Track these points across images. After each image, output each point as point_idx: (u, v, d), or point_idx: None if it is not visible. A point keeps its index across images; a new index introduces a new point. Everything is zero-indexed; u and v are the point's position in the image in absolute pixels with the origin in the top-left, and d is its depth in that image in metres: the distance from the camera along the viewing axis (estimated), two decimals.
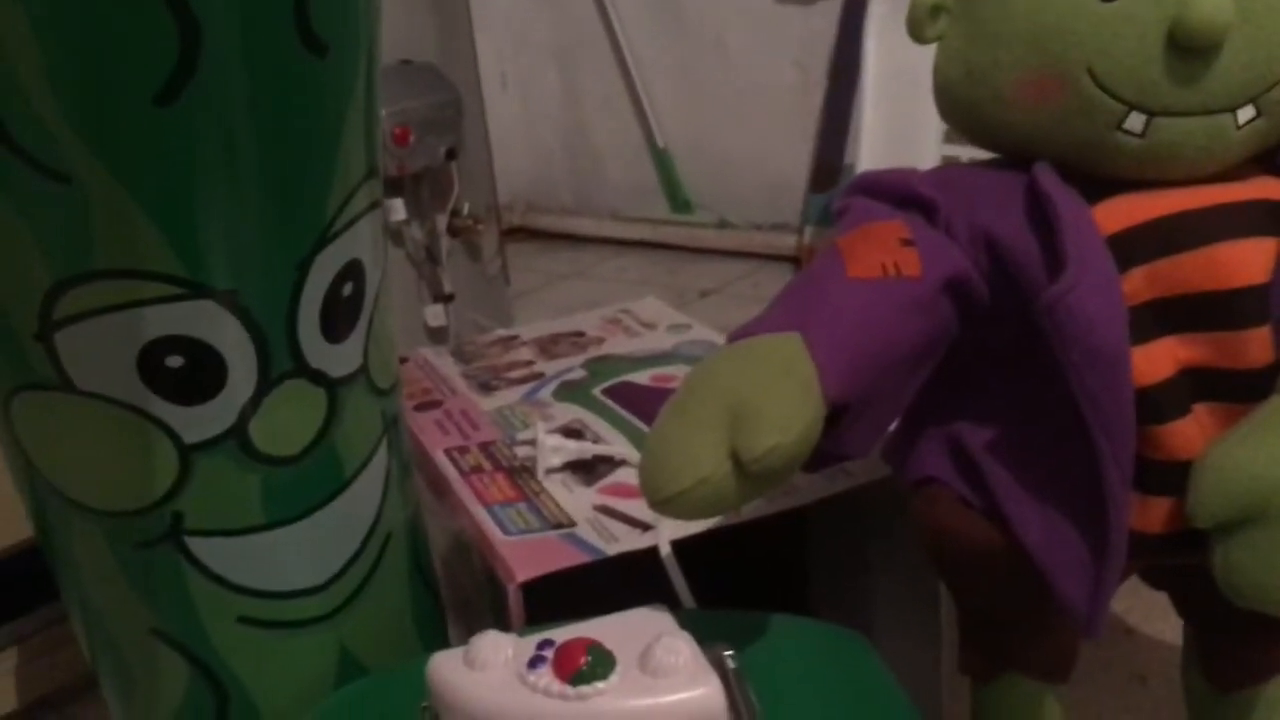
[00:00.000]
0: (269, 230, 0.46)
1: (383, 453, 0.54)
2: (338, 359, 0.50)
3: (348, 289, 0.49)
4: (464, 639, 0.71)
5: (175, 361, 0.45)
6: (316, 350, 0.49)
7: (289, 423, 0.49)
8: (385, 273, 0.53)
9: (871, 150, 1.29)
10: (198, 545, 0.49)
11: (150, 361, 0.45)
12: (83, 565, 0.51)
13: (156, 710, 0.54)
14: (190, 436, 0.47)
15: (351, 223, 0.49)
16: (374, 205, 0.51)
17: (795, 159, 1.63)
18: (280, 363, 0.48)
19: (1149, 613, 0.81)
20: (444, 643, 0.61)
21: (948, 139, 1.15)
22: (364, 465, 0.53)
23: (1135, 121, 0.45)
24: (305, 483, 0.50)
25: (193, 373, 0.46)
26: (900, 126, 1.26)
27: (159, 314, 0.44)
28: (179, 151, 0.42)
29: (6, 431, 0.49)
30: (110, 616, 0.52)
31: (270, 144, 0.44)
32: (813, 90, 1.60)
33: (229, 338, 0.46)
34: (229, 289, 0.45)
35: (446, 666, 0.41)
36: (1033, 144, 0.47)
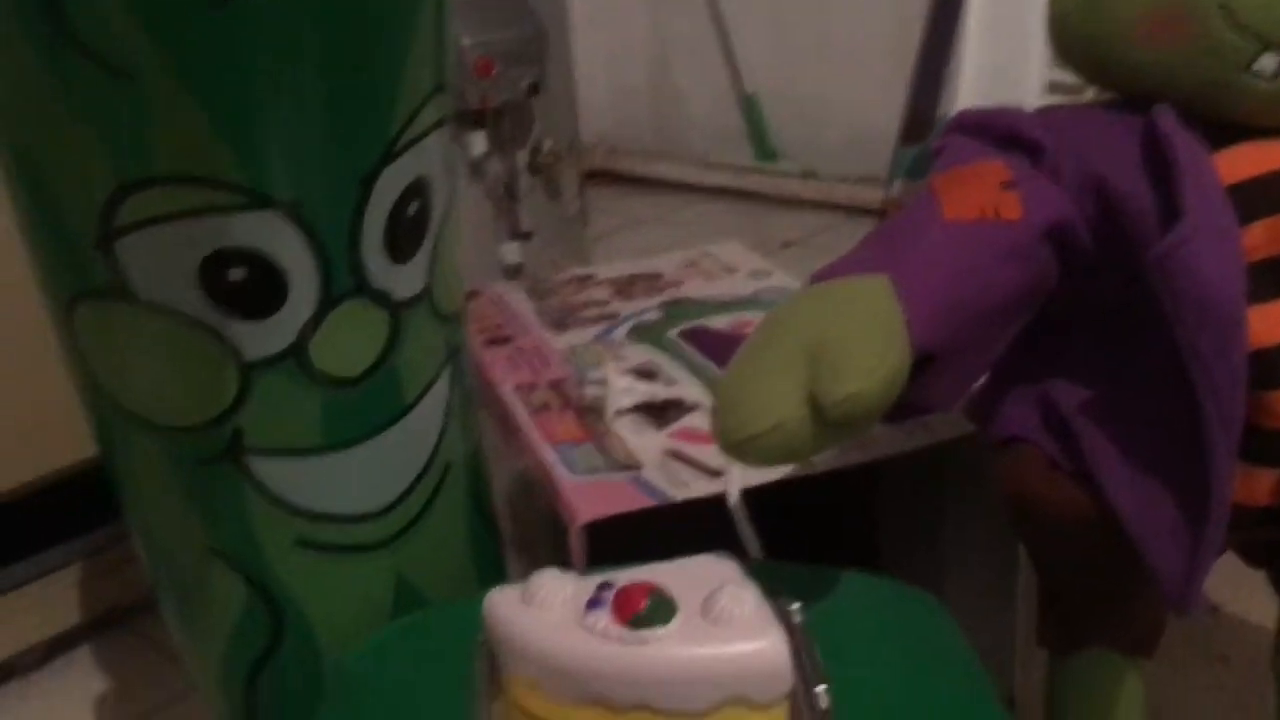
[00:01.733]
0: (333, 141, 0.45)
1: (444, 381, 0.53)
2: (402, 280, 0.49)
3: (413, 207, 0.48)
4: (524, 578, 0.70)
5: (237, 274, 0.45)
6: (380, 270, 0.48)
7: (350, 343, 0.48)
8: (454, 194, 0.52)
9: (968, 100, 1.25)
10: (257, 464, 0.49)
11: (211, 273, 0.45)
12: (143, 482, 0.51)
13: (213, 629, 0.54)
14: (250, 353, 0.47)
15: (419, 138, 0.48)
16: (441, 122, 0.49)
17: (887, 109, 1.58)
18: (342, 281, 0.47)
19: (1236, 590, 0.78)
20: (501, 580, 0.60)
21: (1050, 90, 1.11)
22: (425, 391, 0.52)
23: (1268, 63, 0.41)
24: (366, 405, 0.50)
25: (254, 287, 0.45)
26: (1000, 76, 1.22)
27: (221, 224, 0.44)
28: (239, 53, 0.41)
29: (69, 342, 0.49)
30: (169, 534, 0.52)
31: (333, 51, 0.43)
32: (907, 39, 1.55)
33: (291, 252, 0.45)
34: (292, 200, 0.44)
35: (504, 603, 0.40)
36: (1154, 84, 0.44)
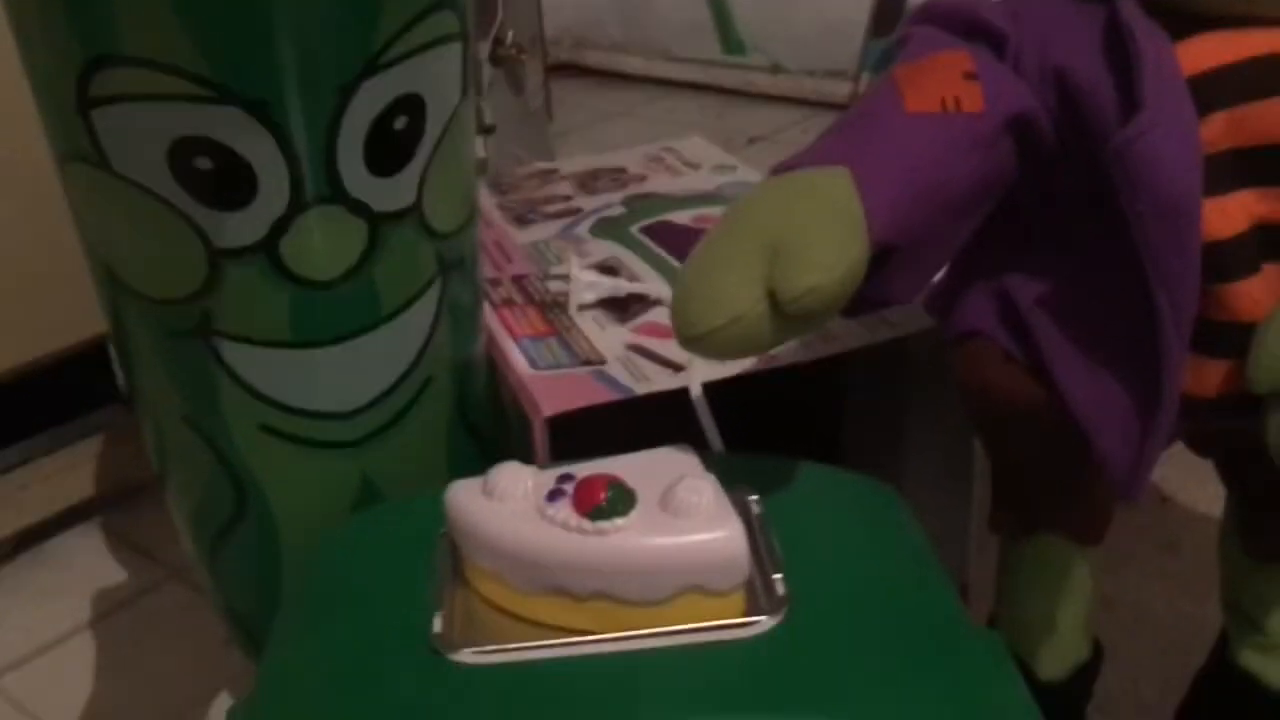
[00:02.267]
0: (305, 47, 0.44)
1: (433, 295, 0.53)
2: (384, 193, 0.49)
3: (400, 123, 0.48)
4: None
5: (204, 164, 0.45)
6: (358, 180, 0.47)
7: (323, 247, 0.48)
8: (464, 114, 0.51)
9: None
10: (225, 348, 0.50)
11: (180, 158, 0.45)
12: (131, 343, 0.53)
13: (186, 495, 0.56)
14: (219, 241, 0.47)
15: (410, 54, 0.47)
16: (446, 40, 0.48)
17: (855, 2, 1.56)
18: (315, 185, 0.47)
19: (1184, 480, 0.80)
20: None
21: None
22: (408, 304, 0.52)
23: None
24: (337, 309, 0.50)
25: (221, 178, 0.45)
26: None
27: (186, 112, 0.44)
28: None
29: (68, 199, 0.50)
30: (153, 396, 0.54)
31: None
32: None
33: (259, 150, 0.45)
34: (258, 100, 0.44)
35: (465, 494, 0.41)
36: None
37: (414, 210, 0.50)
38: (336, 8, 0.44)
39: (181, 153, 0.45)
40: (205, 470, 0.54)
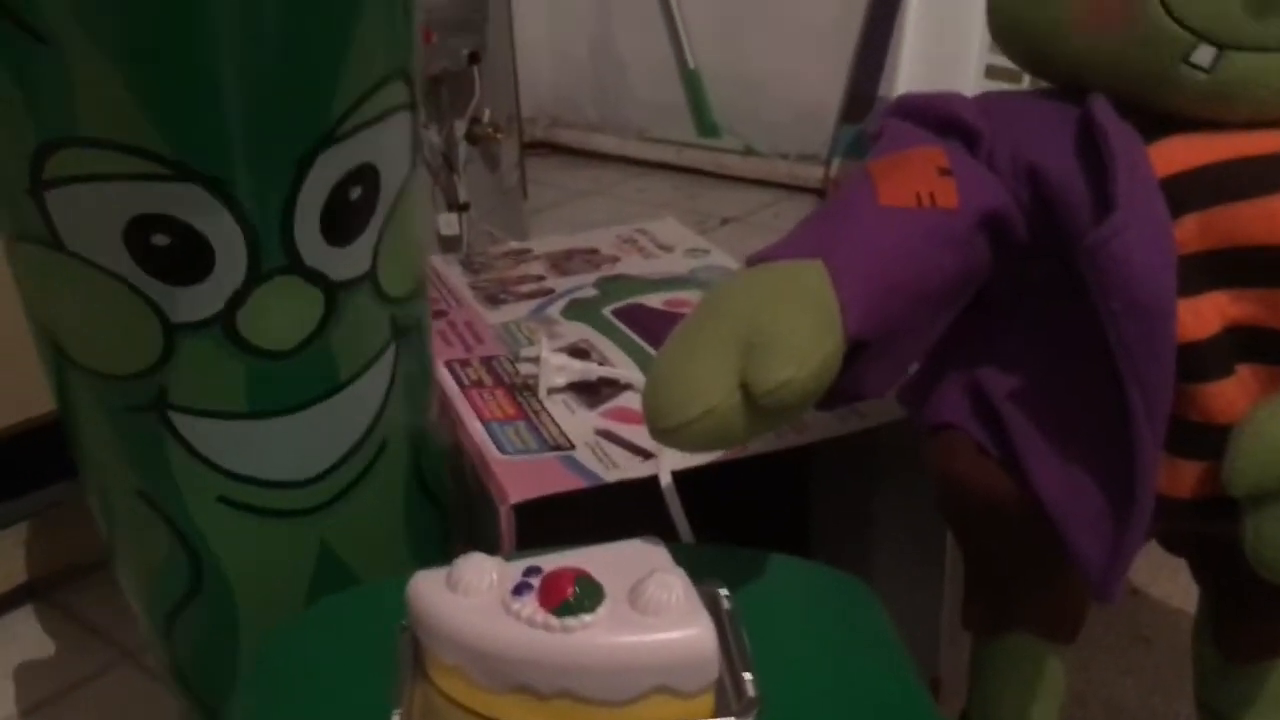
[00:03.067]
0: (263, 121, 0.44)
1: (387, 360, 0.52)
2: (340, 261, 0.48)
3: (356, 193, 0.48)
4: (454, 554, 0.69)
5: (161, 240, 0.45)
6: (315, 250, 0.47)
7: (280, 318, 0.48)
8: (413, 181, 0.51)
9: (908, 81, 1.25)
10: (181, 421, 0.49)
11: (136, 236, 0.44)
12: (81, 419, 0.52)
13: (140, 570, 0.55)
14: (176, 316, 0.46)
15: (366, 125, 0.47)
16: (398, 110, 0.49)
17: (828, 88, 1.58)
18: (272, 257, 0.46)
19: (1156, 573, 0.80)
20: (441, 555, 0.60)
21: (988, 75, 1.11)
22: (364, 370, 0.51)
23: (1204, 55, 0.41)
24: (295, 379, 0.49)
25: (178, 254, 0.45)
26: (939, 61, 1.22)
27: (143, 190, 0.43)
28: (163, 26, 0.40)
29: (15, 278, 0.49)
30: (105, 472, 0.53)
31: (263, 30, 0.42)
32: (851, 18, 1.55)
33: (216, 225, 0.45)
34: (217, 176, 0.44)
35: (427, 587, 0.40)
36: (1090, 74, 0.44)
37: (368, 277, 0.50)
38: (294, 82, 0.44)
39: (138, 230, 0.44)
40: (160, 544, 0.52)
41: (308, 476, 0.51)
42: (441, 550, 0.60)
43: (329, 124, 0.45)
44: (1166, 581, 0.79)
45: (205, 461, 0.50)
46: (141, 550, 0.54)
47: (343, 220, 0.48)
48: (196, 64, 0.42)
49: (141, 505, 0.52)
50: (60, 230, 0.45)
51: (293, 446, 0.51)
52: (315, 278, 0.48)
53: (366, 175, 0.48)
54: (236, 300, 0.46)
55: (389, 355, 0.52)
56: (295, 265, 0.47)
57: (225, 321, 0.47)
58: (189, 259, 0.45)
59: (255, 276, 0.46)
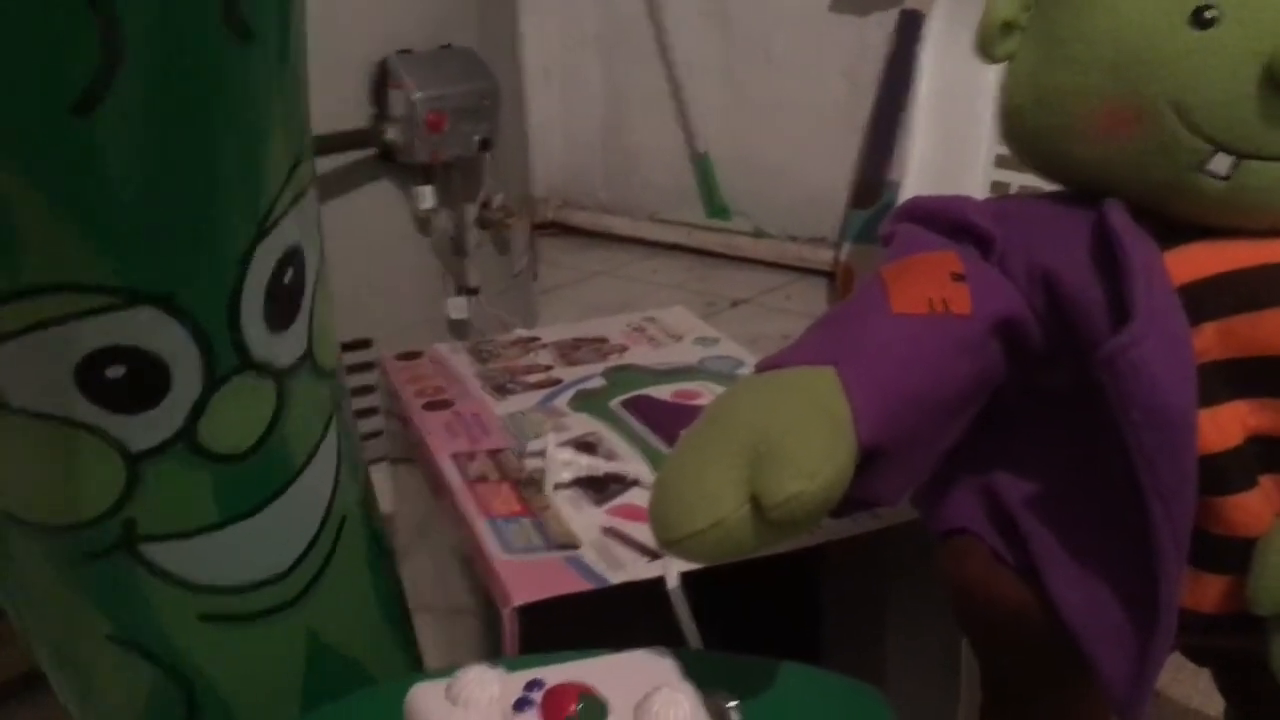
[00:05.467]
0: (204, 231, 0.44)
1: (332, 435, 0.52)
2: (283, 347, 0.48)
3: (289, 276, 0.48)
4: (453, 652, 0.68)
5: (116, 372, 0.43)
6: (261, 342, 0.47)
7: (238, 419, 0.47)
8: (321, 250, 0.51)
9: (918, 170, 1.25)
10: (152, 550, 0.47)
11: (89, 374, 0.43)
12: (27, 578, 0.49)
13: (121, 713, 0.52)
14: (137, 445, 0.45)
15: (288, 210, 0.47)
16: (308, 188, 0.49)
17: (837, 173, 1.59)
18: (225, 360, 0.46)
19: (1175, 675, 0.78)
20: (406, 618, 0.61)
21: (999, 164, 1.11)
22: (315, 451, 0.51)
23: (1221, 163, 0.41)
24: (257, 476, 0.49)
25: (135, 381, 0.44)
26: (949, 148, 1.22)
27: (95, 325, 0.42)
28: (100, 159, 0.40)
29: None
30: (61, 626, 0.50)
31: (198, 142, 0.42)
32: (860, 104, 1.56)
33: (170, 342, 0.44)
34: (166, 293, 0.43)
35: (427, 700, 0.39)
36: (1104, 180, 0.44)
37: (308, 357, 0.50)
38: (230, 185, 0.44)
39: (90, 367, 0.43)
40: (142, 685, 0.50)
41: (284, 569, 0.51)
42: (405, 611, 0.60)
43: (262, 214, 0.46)
44: (1186, 684, 0.77)
45: (182, 584, 0.48)
46: (121, 697, 0.52)
47: (281, 305, 0.48)
48: (142, 189, 0.41)
49: (115, 650, 0.50)
50: (4, 389, 0.43)
51: (266, 543, 0.50)
52: (264, 370, 0.47)
53: (295, 257, 0.48)
54: (196, 412, 0.45)
55: (333, 431, 0.52)
56: (246, 362, 0.46)
57: (187, 437, 0.46)
58: (146, 382, 0.44)
59: (211, 383, 0.45)
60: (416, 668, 0.61)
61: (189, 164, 0.42)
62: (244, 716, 0.52)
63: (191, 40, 0.40)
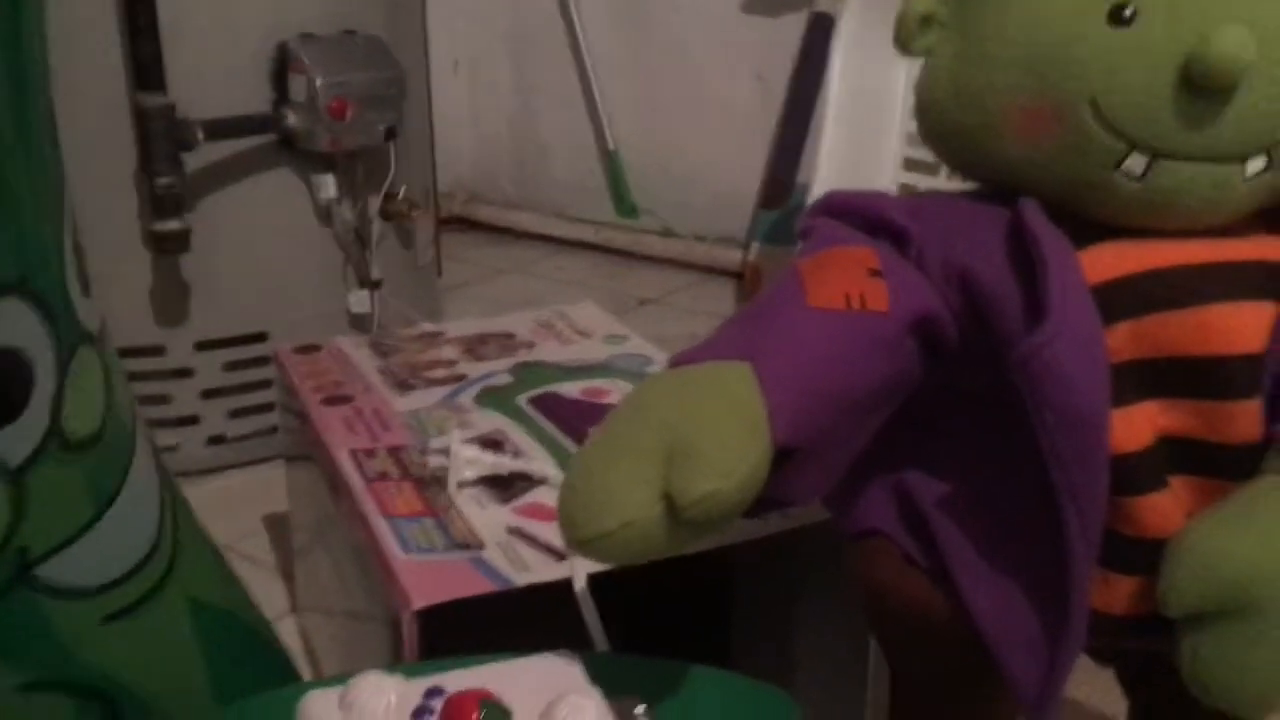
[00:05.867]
0: (45, 202, 0.43)
1: (125, 392, 0.51)
2: (92, 308, 0.47)
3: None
4: (351, 658, 0.66)
5: None
6: (84, 308, 0.46)
7: (86, 398, 0.46)
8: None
9: (827, 170, 1.25)
10: (47, 571, 0.45)
11: None
12: None
13: None
14: (15, 458, 0.43)
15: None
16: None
17: (747, 173, 1.59)
18: (66, 338, 0.44)
19: (1079, 675, 0.78)
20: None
21: (907, 167, 1.12)
22: (135, 419, 0.51)
23: (1136, 163, 0.41)
24: (111, 456, 0.48)
25: (5, 386, 0.42)
26: (859, 150, 1.23)
27: None
28: None
29: None
30: None
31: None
32: (770, 105, 1.56)
33: (30, 333, 0.42)
34: (19, 278, 0.42)
35: (319, 709, 0.37)
36: (1021, 178, 0.43)
37: (102, 322, 0.49)
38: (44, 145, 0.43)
39: None
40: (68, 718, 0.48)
41: (154, 541, 0.50)
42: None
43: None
44: (1084, 684, 0.78)
45: (81, 594, 0.46)
46: None
47: (82, 261, 0.47)
48: None
49: (30, 698, 0.47)
50: None
51: (133, 523, 0.49)
52: (89, 339, 0.46)
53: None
54: (57, 403, 0.43)
55: (121, 387, 0.52)
56: (80, 335, 0.45)
57: (56, 434, 0.44)
58: (14, 385, 0.42)
59: (62, 367, 0.44)
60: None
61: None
62: (164, 708, 0.51)
63: None
